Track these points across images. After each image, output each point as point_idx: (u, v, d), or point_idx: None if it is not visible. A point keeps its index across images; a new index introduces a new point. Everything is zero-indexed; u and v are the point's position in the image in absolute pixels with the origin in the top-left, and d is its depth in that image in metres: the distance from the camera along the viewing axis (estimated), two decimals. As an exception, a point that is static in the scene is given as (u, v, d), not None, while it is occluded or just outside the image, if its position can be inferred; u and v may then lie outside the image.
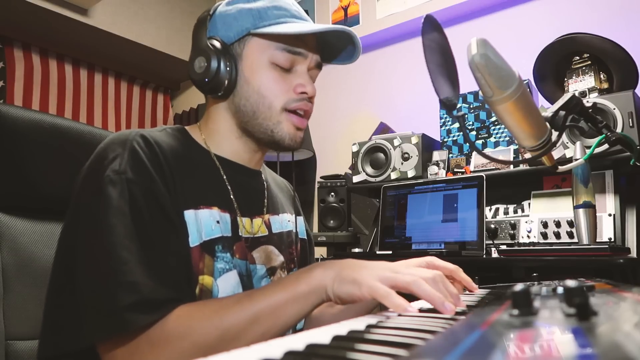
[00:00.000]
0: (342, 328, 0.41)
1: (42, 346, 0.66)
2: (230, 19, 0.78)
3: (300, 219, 0.99)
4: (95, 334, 0.60)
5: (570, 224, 1.50)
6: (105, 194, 0.65)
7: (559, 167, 0.79)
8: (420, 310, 0.54)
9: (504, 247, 1.56)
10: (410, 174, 1.90)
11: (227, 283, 0.74)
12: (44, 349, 0.65)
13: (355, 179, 2.01)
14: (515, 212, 1.79)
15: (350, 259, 0.62)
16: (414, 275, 0.55)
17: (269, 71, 0.78)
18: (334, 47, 0.84)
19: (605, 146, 1.34)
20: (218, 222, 0.75)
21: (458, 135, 1.95)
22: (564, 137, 1.48)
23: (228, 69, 0.77)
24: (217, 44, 0.77)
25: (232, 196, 0.80)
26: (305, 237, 0.99)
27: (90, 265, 0.63)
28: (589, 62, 1.60)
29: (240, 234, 0.79)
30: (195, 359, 0.35)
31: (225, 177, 0.80)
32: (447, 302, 0.51)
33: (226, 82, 0.77)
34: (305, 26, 0.77)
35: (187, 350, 0.59)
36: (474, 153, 1.86)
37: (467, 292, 0.71)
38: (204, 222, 0.73)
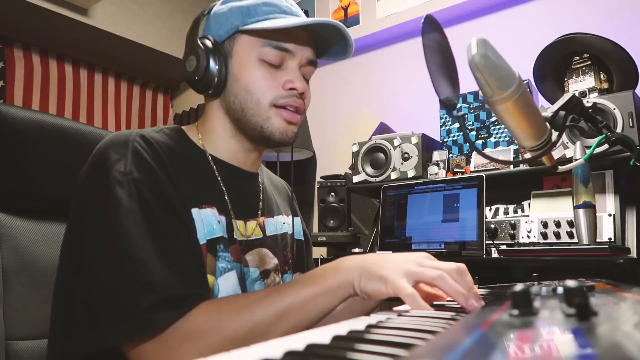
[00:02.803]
0: (342, 328, 0.41)
1: (53, 349, 0.66)
2: (222, 18, 0.79)
3: (297, 219, 0.99)
4: (121, 336, 0.60)
5: (570, 224, 1.50)
6: (113, 196, 0.65)
7: (559, 167, 0.79)
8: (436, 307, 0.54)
9: (504, 247, 1.56)
10: (410, 174, 1.90)
11: (227, 282, 0.74)
12: (57, 351, 0.65)
13: (355, 179, 2.01)
14: (515, 212, 1.79)
15: (377, 254, 0.64)
16: (439, 269, 0.56)
17: (258, 68, 0.77)
18: (327, 42, 0.84)
19: (605, 146, 1.34)
20: (219, 222, 0.76)
21: (458, 135, 1.95)
22: (564, 137, 1.48)
23: (217, 67, 0.77)
24: (208, 43, 0.77)
25: (226, 198, 0.80)
26: (302, 238, 0.99)
27: (107, 268, 0.62)
28: (589, 62, 1.60)
29: (234, 236, 0.79)
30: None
31: (220, 179, 0.80)
32: (471, 299, 0.53)
33: (215, 79, 0.77)
34: (290, 20, 0.76)
35: (217, 344, 0.60)
36: (474, 153, 1.86)
37: None
38: (206, 221, 0.73)
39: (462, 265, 0.59)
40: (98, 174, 0.69)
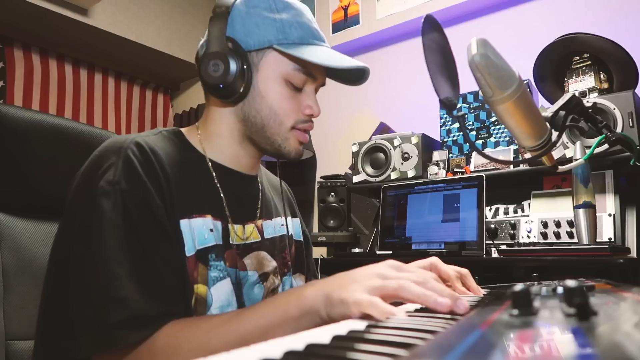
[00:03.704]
0: (342, 328, 0.41)
1: (37, 355, 0.66)
2: (251, 25, 0.76)
3: (296, 220, 0.98)
4: (87, 349, 0.60)
5: (570, 224, 1.50)
6: (98, 205, 0.65)
7: (559, 167, 0.79)
8: (418, 310, 0.53)
9: (504, 247, 1.56)
10: (410, 174, 1.90)
11: (221, 291, 0.73)
12: (39, 357, 0.65)
13: (355, 179, 2.01)
14: (515, 212, 1.79)
15: (341, 275, 0.58)
16: (401, 279, 0.52)
17: (282, 88, 0.78)
18: (343, 71, 0.82)
19: (605, 146, 1.34)
20: (212, 230, 0.75)
21: (458, 135, 1.95)
22: (564, 137, 1.48)
23: (245, 78, 0.76)
24: (239, 51, 0.75)
25: (224, 203, 0.79)
26: (302, 239, 0.98)
27: (83, 278, 0.62)
28: (589, 62, 1.60)
29: (231, 241, 0.78)
30: None
31: (218, 184, 0.80)
32: (441, 298, 0.49)
33: (241, 90, 0.76)
34: (329, 57, 0.77)
35: None
36: (474, 153, 1.86)
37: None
38: (197, 231, 0.73)
39: (433, 275, 0.55)
40: (87, 181, 0.68)
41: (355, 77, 0.85)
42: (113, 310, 0.59)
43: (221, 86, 0.75)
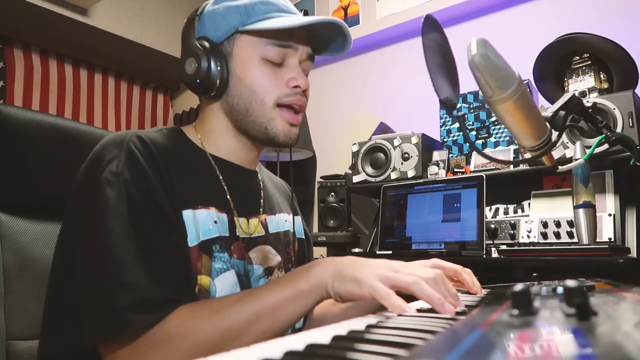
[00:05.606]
0: (342, 328, 0.41)
1: (43, 347, 0.65)
2: (218, 18, 0.78)
3: (298, 218, 0.99)
4: (96, 335, 0.60)
5: (570, 224, 1.50)
6: (102, 195, 0.65)
7: (559, 167, 0.79)
8: (419, 311, 0.54)
9: (504, 247, 1.56)
10: (410, 174, 1.90)
11: (224, 283, 0.74)
12: (45, 350, 0.65)
13: (355, 179, 2.01)
14: (515, 212, 1.79)
15: (351, 257, 0.62)
16: (415, 275, 0.55)
17: (260, 67, 0.77)
18: (325, 39, 0.84)
19: (605, 146, 1.34)
20: (215, 222, 0.75)
21: (458, 135, 1.95)
22: (564, 137, 1.48)
23: (219, 68, 0.77)
24: (206, 44, 0.77)
25: (228, 196, 0.80)
26: (303, 237, 0.99)
27: (90, 266, 0.62)
28: (589, 62, 1.60)
29: (237, 234, 0.79)
30: (196, 358, 0.35)
31: (221, 177, 0.80)
32: (447, 303, 0.52)
33: (218, 81, 0.77)
34: (293, 19, 0.76)
35: (188, 350, 0.59)
36: (474, 153, 1.86)
37: (466, 293, 0.71)
38: (201, 222, 0.73)
39: (440, 272, 0.58)
40: (91, 174, 0.69)
41: (339, 44, 0.84)
42: (122, 295, 0.59)
43: (198, 81, 0.77)
